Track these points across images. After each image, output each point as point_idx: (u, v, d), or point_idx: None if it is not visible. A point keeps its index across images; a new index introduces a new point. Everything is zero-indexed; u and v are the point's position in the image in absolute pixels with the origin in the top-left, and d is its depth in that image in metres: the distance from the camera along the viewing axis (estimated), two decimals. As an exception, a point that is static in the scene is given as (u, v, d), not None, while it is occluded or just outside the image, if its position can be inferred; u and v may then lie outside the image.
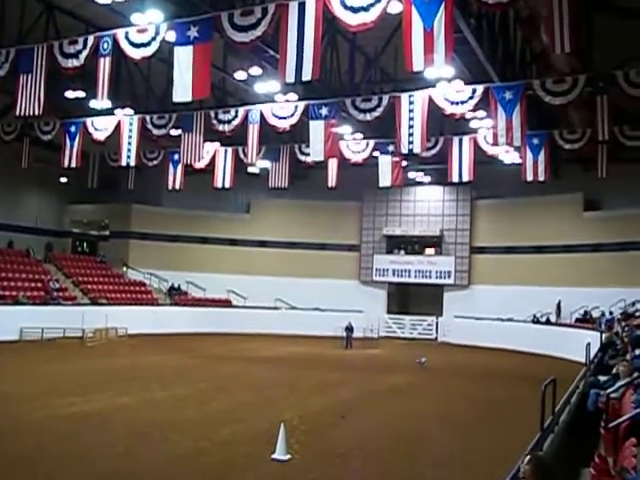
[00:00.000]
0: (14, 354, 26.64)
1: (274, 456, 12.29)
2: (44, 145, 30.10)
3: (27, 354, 26.94)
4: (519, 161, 26.64)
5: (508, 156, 28.08)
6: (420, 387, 23.02)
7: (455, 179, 26.83)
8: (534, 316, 36.42)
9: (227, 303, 42.65)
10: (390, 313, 43.31)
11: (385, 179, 28.85)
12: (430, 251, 43.38)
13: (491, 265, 40.62)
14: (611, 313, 32.14)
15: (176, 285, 42.77)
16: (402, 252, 43.66)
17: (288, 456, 12.32)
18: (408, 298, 44.76)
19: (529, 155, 24.76)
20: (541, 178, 24.87)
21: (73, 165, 26.91)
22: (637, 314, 29.24)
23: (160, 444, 13.27)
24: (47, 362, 25.16)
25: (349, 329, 36.02)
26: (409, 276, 42.92)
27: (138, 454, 12.42)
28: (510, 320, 37.11)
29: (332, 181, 30.29)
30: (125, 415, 16.02)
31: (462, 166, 26.43)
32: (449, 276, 42.05)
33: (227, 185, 30.31)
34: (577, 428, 10.70)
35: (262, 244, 44.73)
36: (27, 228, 40.45)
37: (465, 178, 26.60)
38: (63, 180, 41.83)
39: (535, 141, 24.66)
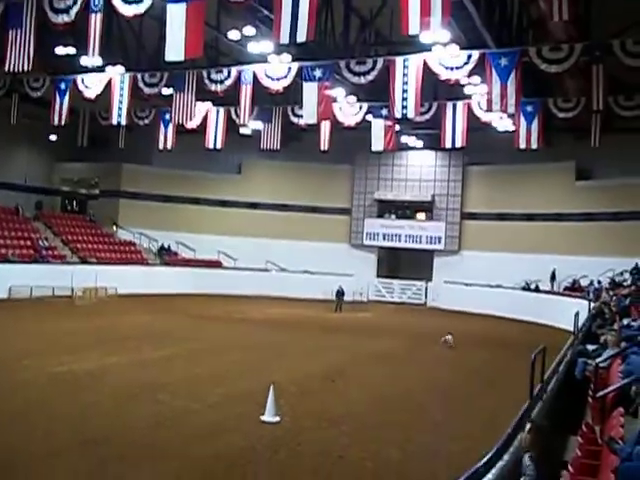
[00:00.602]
0: (3, 313, 26.61)
1: (263, 418, 12.37)
2: (33, 102, 29.73)
3: (16, 313, 26.93)
4: (512, 128, 26.56)
5: (501, 123, 27.96)
6: (409, 352, 23.17)
7: (448, 145, 26.73)
8: (526, 283, 36.56)
9: (217, 264, 42.65)
10: (380, 277, 43.43)
11: (378, 143, 28.68)
12: (421, 216, 43.40)
13: (482, 231, 40.71)
14: (599, 282, 32.33)
15: (166, 245, 42.70)
16: (393, 216, 43.67)
17: (277, 418, 12.40)
18: (398, 262, 44.85)
19: (523, 122, 24.67)
20: (534, 146, 24.83)
21: (63, 122, 26.63)
22: (625, 284, 29.45)
23: (150, 405, 13.33)
24: (36, 321, 25.17)
25: (340, 293, 36.14)
26: (399, 241, 42.98)
27: (128, 414, 12.48)
28: (499, 287, 37.31)
29: (324, 144, 30.11)
30: (115, 375, 16.08)
31: (455, 132, 26.31)
32: (439, 241, 42.13)
33: (218, 145, 30.11)
34: (565, 396, 10.81)
35: (253, 206, 44.60)
36: (16, 185, 40.13)
37: (458, 144, 26.50)
38: (53, 138, 41.39)
39: (529, 108, 24.56)
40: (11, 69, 20.52)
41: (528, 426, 5.87)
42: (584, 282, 34.35)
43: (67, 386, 14.61)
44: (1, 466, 9.33)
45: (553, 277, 36.36)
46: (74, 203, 47.35)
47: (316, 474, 9.66)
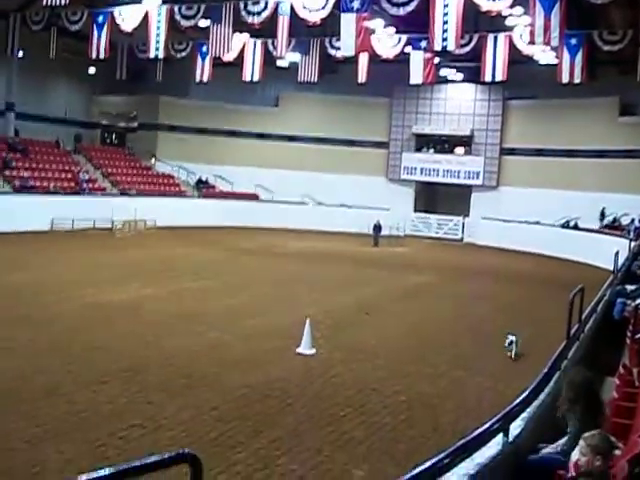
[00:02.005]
0: (45, 244, 27.20)
1: (298, 350, 12.63)
2: (72, 35, 29.73)
3: (57, 244, 27.50)
4: (555, 62, 25.88)
5: (544, 56, 27.28)
6: (445, 287, 23.20)
7: (488, 78, 26.24)
8: (566, 221, 36.01)
9: (254, 197, 42.83)
10: (417, 212, 43.26)
11: (416, 76, 28.25)
12: (459, 151, 42.83)
13: (521, 167, 40.12)
14: (640, 221, 31.73)
15: (204, 178, 42.92)
16: (431, 151, 43.18)
17: (312, 351, 12.66)
18: (435, 197, 44.55)
19: (566, 56, 24.05)
20: (577, 80, 24.24)
21: (101, 56, 26.68)
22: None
23: (187, 336, 13.68)
24: (77, 253, 25.69)
25: (377, 227, 36.15)
26: (437, 175, 42.59)
27: (164, 344, 12.85)
28: (537, 223, 36.93)
29: (362, 76, 29.76)
30: (152, 306, 16.47)
31: (496, 65, 25.78)
32: (477, 177, 41.66)
33: (256, 78, 29.95)
34: (602, 336, 10.78)
35: (290, 139, 44.39)
36: (56, 119, 40.40)
37: (498, 77, 25.99)
38: (91, 71, 41.44)
39: (573, 41, 23.89)
40: (49, 3, 20.54)
41: (574, 371, 5.93)
42: (625, 220, 33.78)
43: (106, 316, 15.04)
44: (45, 393, 9.73)
45: (602, 216, 35.62)
46: (113, 136, 47.64)
47: (350, 406, 9.89)
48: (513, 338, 13.51)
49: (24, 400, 9.36)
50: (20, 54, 33.36)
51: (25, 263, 22.13)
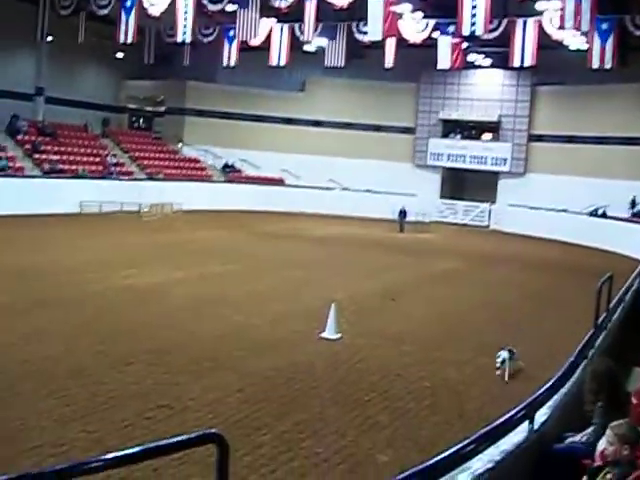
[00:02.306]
0: (73, 227, 27.49)
1: (323, 335, 12.68)
2: (101, 20, 29.87)
3: (86, 227, 27.78)
4: (585, 47, 25.58)
5: (574, 41, 26.91)
6: (471, 274, 23.10)
7: (517, 63, 25.98)
8: (595, 209, 35.60)
9: (280, 182, 42.90)
10: (443, 198, 43.06)
11: (444, 61, 28.07)
12: (487, 137, 42.51)
13: (549, 154, 39.70)
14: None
15: (230, 163, 43.05)
16: (458, 137, 42.89)
17: (337, 335, 12.69)
18: (462, 184, 44.29)
19: (596, 41, 23.74)
20: (607, 66, 23.94)
21: (129, 40, 26.81)
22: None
23: (213, 318, 13.79)
24: (105, 235, 25.92)
25: (402, 213, 36.05)
26: (464, 161, 42.31)
27: (192, 327, 12.95)
28: (564, 211, 36.60)
29: (389, 61, 29.60)
30: (179, 289, 16.61)
31: (525, 50, 25.52)
32: (505, 163, 41.32)
33: (282, 63, 29.96)
34: (630, 326, 10.69)
35: (316, 124, 44.32)
36: (84, 103, 40.65)
37: (527, 62, 25.73)
38: (119, 55, 41.63)
39: (604, 26, 23.55)
40: (78, -14, 20.61)
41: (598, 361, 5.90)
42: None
43: (133, 298, 15.22)
44: (74, 373, 9.89)
45: (633, 204, 35.17)
46: (140, 120, 47.89)
47: (374, 391, 9.92)
48: (505, 355, 10.91)
49: (54, 380, 9.53)
50: (49, 39, 33.58)
51: (54, 245, 22.42)
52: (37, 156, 33.74)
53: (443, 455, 4.19)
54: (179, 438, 2.78)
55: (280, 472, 7.19)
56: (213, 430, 2.92)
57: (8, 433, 7.68)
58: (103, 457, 2.58)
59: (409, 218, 36.42)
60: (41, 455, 7.09)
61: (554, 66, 33.33)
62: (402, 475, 3.80)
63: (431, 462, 4.06)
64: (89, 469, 2.61)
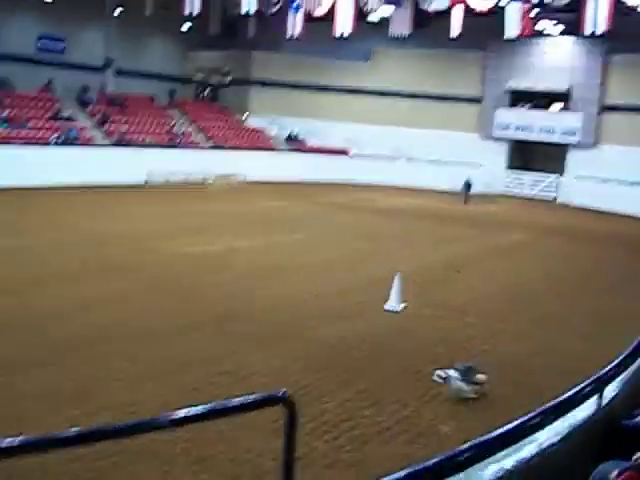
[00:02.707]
0: (140, 196, 28.03)
1: (388, 305, 12.66)
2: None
3: (152, 196, 28.28)
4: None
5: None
6: (537, 247, 22.70)
7: (588, 31, 25.23)
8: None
9: (344, 152, 42.75)
10: (510, 170, 42.27)
11: (512, 29, 27.45)
12: (556, 107, 41.41)
13: (621, 125, 38.42)
14: None
15: (294, 133, 43.10)
16: (526, 107, 41.93)
17: (401, 306, 12.66)
18: (529, 155, 43.36)
19: (675, 6, 22.81)
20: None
21: (195, 12, 26.96)
22: None
23: (278, 287, 13.93)
24: (170, 205, 26.37)
25: (468, 184, 35.53)
26: (532, 132, 41.34)
27: (256, 295, 13.11)
28: (637, 184, 35.43)
29: (455, 30, 29.06)
30: (244, 257, 16.84)
31: (597, 17, 24.73)
32: (574, 134, 40.24)
33: (347, 33, 29.68)
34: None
35: (381, 94, 43.91)
36: (151, 74, 41.17)
37: (600, 30, 24.94)
38: (185, 27, 41.95)
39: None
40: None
41: None
42: None
43: (199, 266, 15.48)
44: (142, 337, 10.15)
45: None
46: (206, 91, 48.27)
47: (436, 362, 9.86)
48: (454, 374, 8.66)
49: (124, 343, 9.83)
50: (118, 11, 34.04)
51: (121, 214, 22.92)
52: (106, 127, 34.42)
53: (509, 427, 4.15)
54: (248, 398, 2.82)
55: (342, 439, 7.25)
56: (282, 391, 2.94)
57: (82, 392, 7.97)
58: (173, 415, 2.64)
59: (474, 190, 35.89)
60: (113, 414, 7.30)
61: (628, 33, 32.12)
62: (467, 444, 3.78)
63: (495, 433, 4.03)
64: (159, 426, 2.68)
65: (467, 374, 8.69)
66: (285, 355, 9.74)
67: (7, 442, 2.23)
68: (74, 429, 2.43)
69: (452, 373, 8.68)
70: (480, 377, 8.73)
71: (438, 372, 8.81)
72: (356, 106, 43.33)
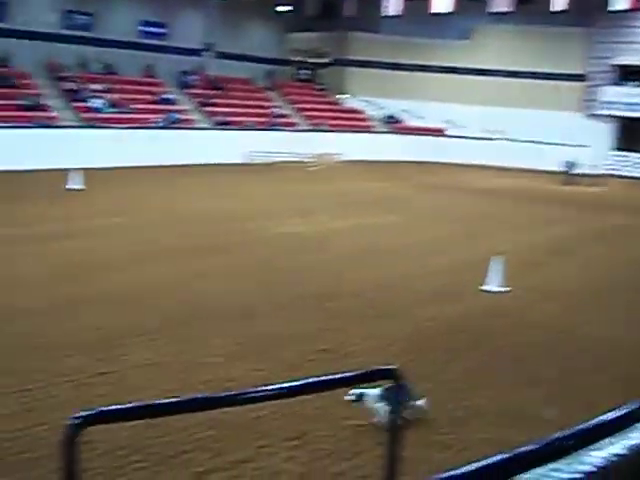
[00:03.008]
0: (240, 177, 28.46)
1: (485, 287, 12.47)
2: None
3: (252, 177, 28.66)
4: None
5: None
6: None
7: None
8: None
9: (440, 132, 42.19)
10: (615, 150, 40.70)
11: (618, 1, 26.27)
12: (667, 83, 39.60)
13: None
14: None
15: (392, 113, 42.84)
16: (634, 84, 40.21)
17: (499, 288, 12.44)
18: (636, 134, 41.65)
19: None
20: None
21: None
22: None
23: (375, 268, 13.92)
24: (269, 185, 26.74)
25: (569, 164, 34.44)
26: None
27: (353, 275, 13.15)
28: None
29: (558, 4, 28.11)
30: (342, 238, 16.90)
31: None
32: (686, 111, 38.39)
33: (447, 10, 29.19)
34: None
35: (481, 72, 43.04)
36: (250, 57, 41.72)
37: None
38: (282, 9, 42.23)
39: None
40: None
41: None
42: None
43: (297, 245, 15.68)
44: (240, 314, 10.38)
45: None
46: (304, 73, 48.51)
47: (539, 346, 9.66)
48: (372, 393, 6.62)
49: (222, 320, 10.06)
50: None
51: (221, 194, 23.47)
52: (207, 109, 35.16)
53: (616, 414, 4.03)
54: (357, 372, 2.85)
55: (441, 420, 7.22)
56: (391, 366, 2.95)
57: (181, 367, 8.21)
58: (281, 386, 2.70)
59: (577, 170, 34.76)
60: (212, 389, 7.50)
61: None
62: (570, 431, 3.70)
63: (598, 420, 3.92)
64: (267, 397, 2.76)
65: (391, 396, 6.28)
66: (382, 336, 9.73)
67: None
68: (174, 399, 2.52)
69: (371, 392, 6.64)
70: (416, 403, 6.98)
71: (354, 390, 6.64)
72: (454, 86, 42.67)
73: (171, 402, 2.59)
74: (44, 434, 6.27)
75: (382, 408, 6.32)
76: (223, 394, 2.73)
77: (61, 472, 2.57)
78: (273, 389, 2.77)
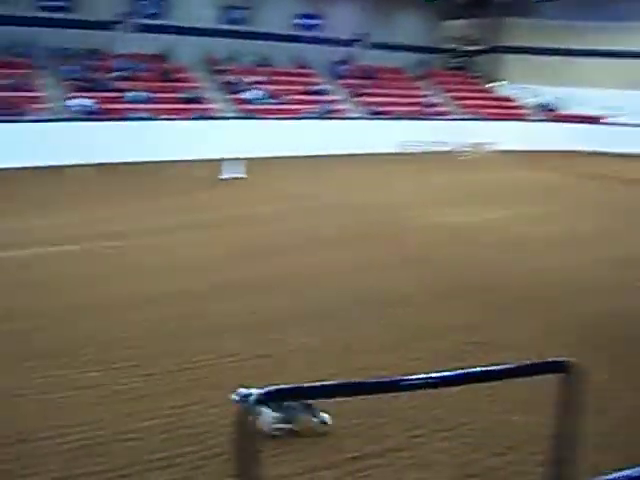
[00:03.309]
0: (393, 166, 28.47)
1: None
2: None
3: (404, 166, 28.56)
4: None
5: None
6: None
7: None
8: None
9: (597, 120, 40.06)
10: None
11: None
12: None
13: None
14: None
15: (547, 101, 41.35)
16: None
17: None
18: None
19: None
20: None
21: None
22: None
23: (529, 259, 13.66)
24: (422, 174, 26.51)
25: None
26: None
27: (508, 267, 13.02)
28: None
29: None
30: (495, 229, 16.64)
31: None
32: None
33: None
34: None
35: (640, 56, 40.52)
36: (401, 46, 41.51)
37: None
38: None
39: None
40: None
41: None
42: None
43: (449, 236, 15.55)
44: (397, 304, 10.48)
45: None
46: (457, 61, 47.75)
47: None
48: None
49: (377, 309, 10.22)
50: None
51: (375, 183, 23.67)
52: (359, 99, 35.45)
53: None
54: (525, 363, 2.85)
55: (611, 419, 6.96)
56: (564, 359, 2.92)
57: (336, 352, 8.46)
58: (448, 375, 2.74)
59: None
60: (364, 376, 7.60)
61: None
62: None
63: None
64: (432, 384, 2.81)
65: (289, 409, 6.14)
66: (541, 328, 9.57)
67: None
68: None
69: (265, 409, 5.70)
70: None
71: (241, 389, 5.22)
72: (614, 71, 40.41)
73: (337, 384, 2.70)
74: (212, 410, 6.67)
75: (268, 414, 5.84)
76: (397, 378, 2.80)
77: (234, 444, 2.73)
78: (440, 377, 2.82)
